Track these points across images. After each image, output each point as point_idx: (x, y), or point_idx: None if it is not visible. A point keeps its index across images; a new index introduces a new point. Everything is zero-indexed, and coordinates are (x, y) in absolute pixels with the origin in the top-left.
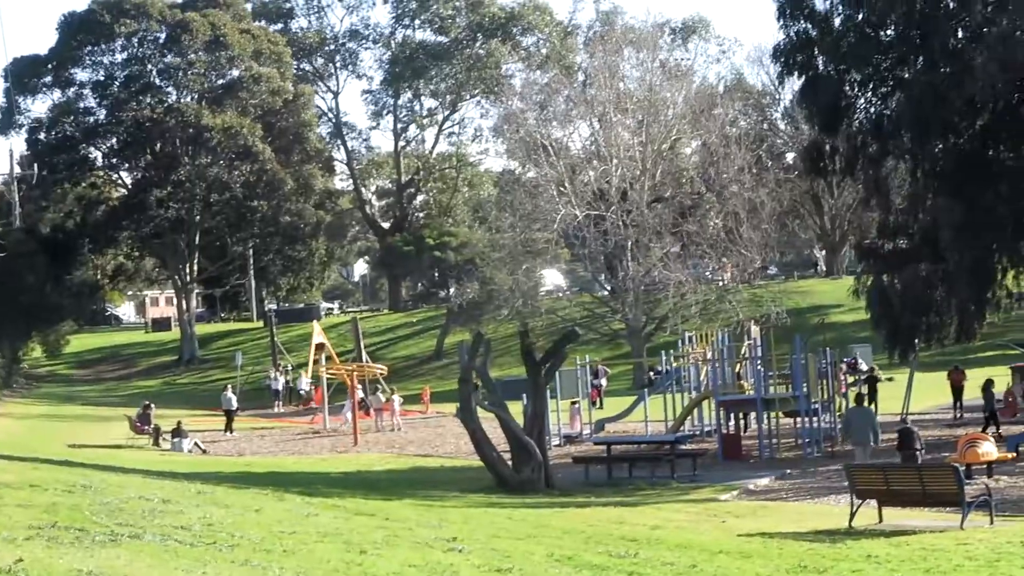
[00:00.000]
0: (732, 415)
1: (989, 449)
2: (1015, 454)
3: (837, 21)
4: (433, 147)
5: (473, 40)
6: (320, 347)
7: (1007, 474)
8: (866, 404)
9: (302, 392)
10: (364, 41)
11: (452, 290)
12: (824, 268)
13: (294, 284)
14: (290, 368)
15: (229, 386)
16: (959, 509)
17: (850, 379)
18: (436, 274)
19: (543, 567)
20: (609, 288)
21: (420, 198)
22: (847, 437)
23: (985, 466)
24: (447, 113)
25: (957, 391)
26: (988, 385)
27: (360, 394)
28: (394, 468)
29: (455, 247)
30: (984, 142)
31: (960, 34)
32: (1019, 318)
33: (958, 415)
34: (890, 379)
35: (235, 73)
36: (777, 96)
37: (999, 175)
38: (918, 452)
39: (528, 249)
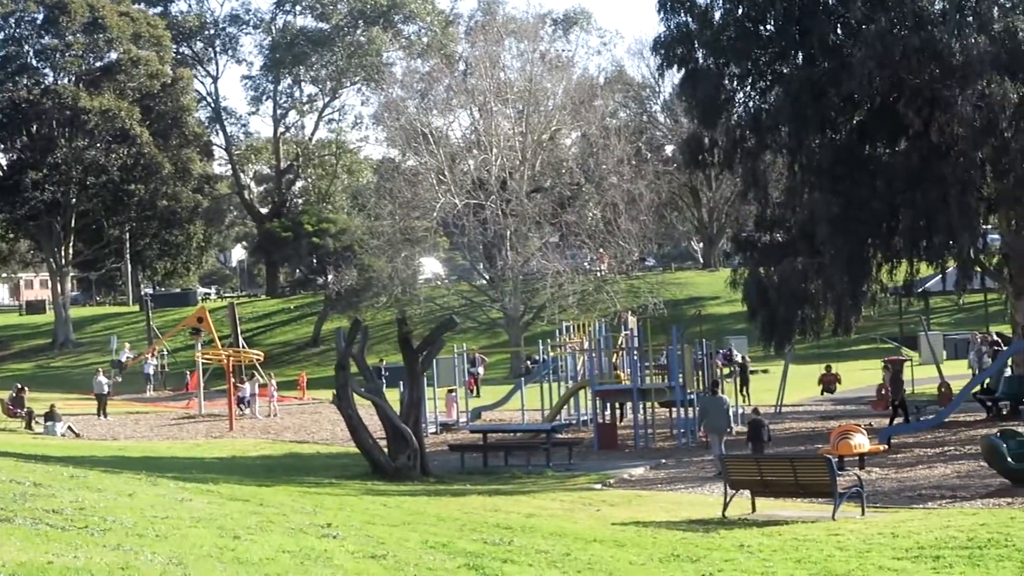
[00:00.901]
0: (608, 405)
1: (861, 441)
2: (887, 446)
3: (717, 15)
4: (313, 133)
5: (354, 27)
6: (196, 333)
7: (879, 466)
8: (721, 392)
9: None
10: (244, 26)
11: (330, 277)
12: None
13: (171, 268)
14: (165, 353)
15: (100, 370)
16: (831, 500)
17: (726, 370)
18: (314, 260)
19: (417, 554)
20: (488, 277)
21: (299, 184)
22: (703, 425)
23: (857, 458)
24: (327, 100)
25: (828, 391)
26: (897, 375)
27: (246, 391)
28: (269, 454)
29: (334, 234)
30: (861, 138)
31: (839, 30)
32: (893, 312)
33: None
34: (765, 371)
35: (113, 56)
36: (657, 89)
37: (875, 171)
38: (764, 444)
39: (407, 237)
